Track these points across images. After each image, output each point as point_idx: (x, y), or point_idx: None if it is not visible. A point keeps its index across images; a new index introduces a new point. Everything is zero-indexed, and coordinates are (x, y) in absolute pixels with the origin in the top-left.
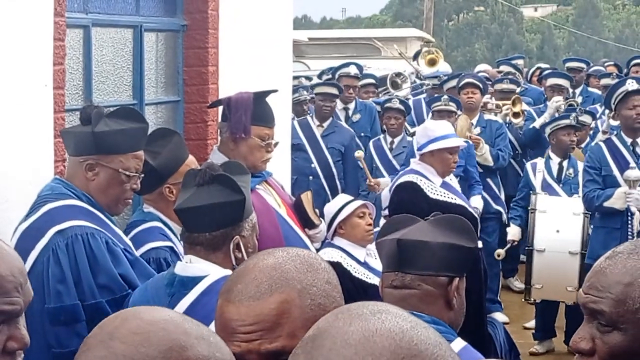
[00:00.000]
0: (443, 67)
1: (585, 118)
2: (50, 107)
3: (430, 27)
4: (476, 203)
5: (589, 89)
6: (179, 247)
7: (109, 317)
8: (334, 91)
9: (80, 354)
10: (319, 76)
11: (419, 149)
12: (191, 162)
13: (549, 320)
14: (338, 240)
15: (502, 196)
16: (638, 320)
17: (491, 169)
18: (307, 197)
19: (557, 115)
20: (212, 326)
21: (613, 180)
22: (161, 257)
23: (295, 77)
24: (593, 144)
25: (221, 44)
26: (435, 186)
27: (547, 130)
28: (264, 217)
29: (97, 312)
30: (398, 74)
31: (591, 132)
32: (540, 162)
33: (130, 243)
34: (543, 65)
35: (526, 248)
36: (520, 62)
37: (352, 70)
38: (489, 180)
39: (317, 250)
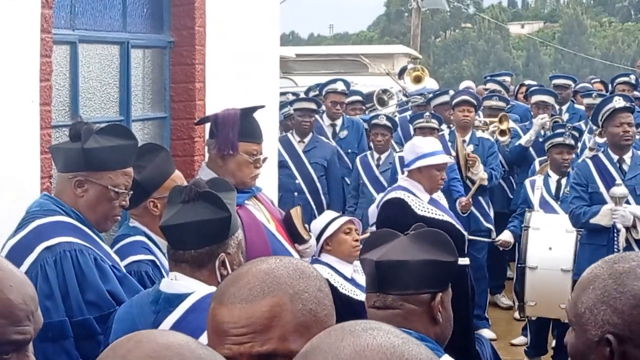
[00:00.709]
0: (430, 83)
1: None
2: (37, 123)
3: (418, 43)
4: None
5: (576, 105)
6: (164, 261)
7: (122, 339)
8: (313, 106)
9: None
10: (306, 93)
11: (407, 165)
12: (177, 177)
13: (543, 338)
14: (325, 257)
15: (492, 213)
16: (583, 324)
17: (483, 188)
18: (296, 213)
19: (542, 132)
20: (200, 340)
21: (599, 197)
22: (142, 270)
23: (282, 93)
24: (580, 160)
25: (208, 60)
26: (422, 203)
27: (546, 147)
28: (254, 233)
29: (84, 328)
30: (385, 91)
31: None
32: (539, 179)
33: (118, 260)
34: (528, 82)
35: (518, 265)
36: (507, 79)
37: (340, 86)
38: (479, 197)
39: None
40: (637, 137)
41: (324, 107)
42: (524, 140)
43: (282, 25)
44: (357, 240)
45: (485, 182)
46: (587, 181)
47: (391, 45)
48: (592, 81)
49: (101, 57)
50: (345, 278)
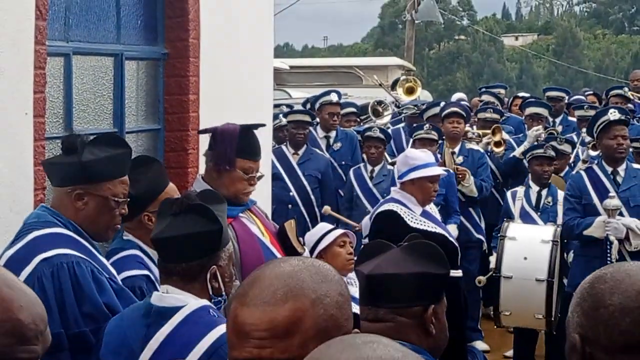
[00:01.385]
0: (423, 95)
1: (565, 147)
2: (31, 135)
3: (412, 55)
4: (451, 231)
5: (569, 118)
6: (158, 275)
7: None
8: (307, 118)
9: None
10: (303, 105)
11: (400, 177)
12: (171, 189)
13: (525, 349)
14: None
15: (483, 225)
16: (567, 328)
17: (473, 199)
18: (290, 226)
19: (536, 144)
20: (193, 354)
21: (593, 209)
22: (136, 285)
23: (276, 105)
24: (574, 172)
25: (202, 72)
26: (415, 215)
27: (527, 158)
28: (248, 246)
29: (81, 341)
30: (380, 102)
31: (571, 161)
32: (520, 190)
33: (115, 272)
34: (522, 94)
35: (494, 275)
36: (502, 91)
37: (334, 97)
38: (470, 209)
39: None
40: (631, 149)
41: (317, 119)
42: (518, 152)
43: (276, 37)
44: (351, 254)
45: (476, 194)
46: (581, 193)
47: (385, 57)
48: (586, 94)
49: (95, 69)
50: None
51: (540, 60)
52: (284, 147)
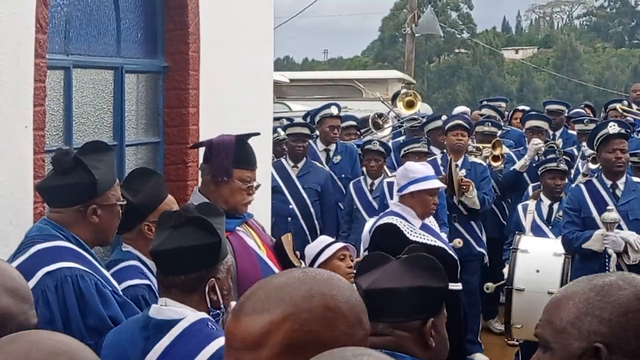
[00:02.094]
0: (423, 108)
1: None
2: (30, 148)
3: (412, 68)
4: None
5: (569, 131)
6: None
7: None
8: (306, 131)
9: None
10: (304, 118)
11: (399, 190)
12: (170, 201)
13: None
14: None
15: (484, 238)
16: (564, 339)
17: (475, 212)
18: (287, 239)
19: (537, 157)
20: None
21: (592, 222)
22: (139, 294)
23: (276, 118)
24: (573, 185)
25: (202, 85)
26: (414, 228)
27: (539, 171)
28: (245, 259)
29: None
30: (380, 115)
31: (571, 175)
32: (531, 203)
33: (117, 285)
34: (522, 107)
35: (506, 287)
36: (502, 104)
37: (334, 110)
38: (472, 222)
39: None
40: (630, 163)
41: (317, 132)
42: (518, 165)
43: (277, 50)
44: (350, 267)
45: (478, 207)
46: (580, 206)
47: (385, 71)
48: (580, 105)
49: (95, 82)
50: None
51: (541, 74)
52: (283, 160)
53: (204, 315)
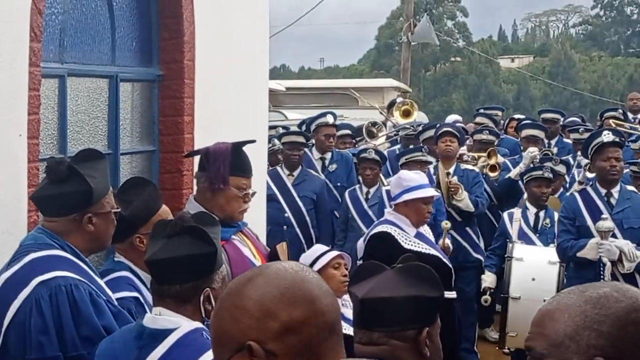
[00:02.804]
0: (419, 116)
1: (560, 168)
2: (25, 156)
3: (408, 77)
4: None
5: (565, 139)
6: (148, 297)
7: None
8: (301, 140)
9: None
10: (299, 126)
11: (393, 199)
12: (164, 212)
13: None
14: None
15: (482, 245)
16: (561, 352)
17: (470, 218)
18: (282, 248)
19: (532, 165)
20: None
21: (587, 231)
22: (124, 307)
23: (272, 127)
24: (568, 194)
25: (197, 94)
26: (409, 236)
27: (524, 179)
28: (240, 268)
29: None
30: (374, 123)
31: (566, 182)
32: (517, 211)
33: (112, 295)
34: (517, 116)
35: (501, 295)
36: (499, 113)
37: (330, 119)
38: (467, 229)
39: None
40: (626, 171)
41: (312, 141)
42: (513, 173)
43: (273, 58)
44: (345, 276)
45: (472, 209)
46: (574, 215)
47: (381, 79)
48: (575, 113)
49: (90, 90)
50: None
51: (537, 82)
52: (279, 169)
53: (198, 325)
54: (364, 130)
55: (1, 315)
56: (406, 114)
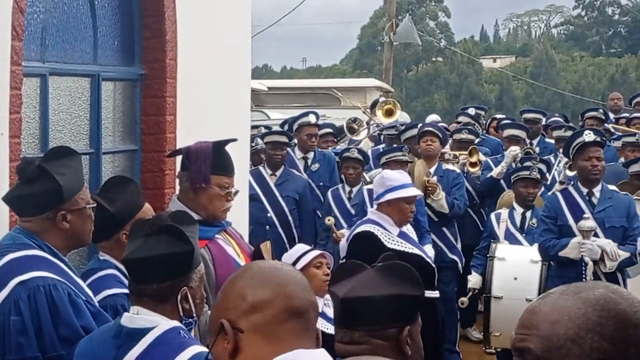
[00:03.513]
0: (402, 116)
1: (541, 166)
2: (6, 156)
3: (390, 77)
4: (428, 252)
5: (546, 139)
6: None
7: None
8: (284, 139)
9: None
10: (281, 126)
11: (376, 198)
12: (148, 209)
13: None
14: None
15: (459, 245)
16: (562, 356)
17: (447, 218)
18: (266, 247)
19: (514, 164)
20: None
21: (568, 230)
22: (118, 304)
23: (254, 127)
24: (549, 193)
25: (179, 93)
26: (392, 236)
27: (512, 179)
28: (223, 267)
29: None
30: (354, 119)
31: (546, 181)
32: (504, 212)
33: (92, 294)
34: (499, 116)
35: (484, 295)
36: (482, 112)
37: (312, 119)
38: (444, 229)
39: None
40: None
41: (295, 140)
42: (495, 172)
43: (255, 58)
44: (327, 275)
45: (446, 210)
46: (556, 214)
47: (363, 79)
48: (556, 113)
49: (71, 89)
50: None
51: (519, 82)
52: (261, 168)
53: (176, 323)
54: (345, 126)
55: None
56: (389, 113)
